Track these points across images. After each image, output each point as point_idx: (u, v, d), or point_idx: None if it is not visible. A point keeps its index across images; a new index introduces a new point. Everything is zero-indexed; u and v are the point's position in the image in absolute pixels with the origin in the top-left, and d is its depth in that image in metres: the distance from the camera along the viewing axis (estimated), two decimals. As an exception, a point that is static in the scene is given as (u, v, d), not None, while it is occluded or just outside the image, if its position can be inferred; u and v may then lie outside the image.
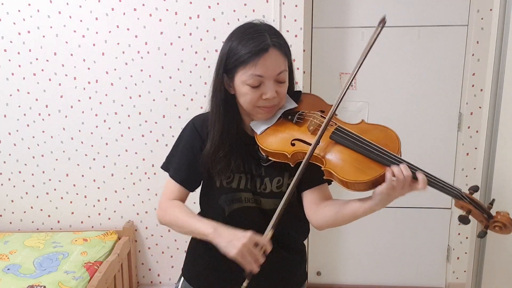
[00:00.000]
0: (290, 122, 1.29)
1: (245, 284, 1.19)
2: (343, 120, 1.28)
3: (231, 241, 1.16)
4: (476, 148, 2.69)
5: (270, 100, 1.25)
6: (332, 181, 1.21)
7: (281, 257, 1.38)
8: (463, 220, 1.12)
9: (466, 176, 2.74)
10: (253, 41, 1.22)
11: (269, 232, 1.19)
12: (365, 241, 2.91)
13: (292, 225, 1.38)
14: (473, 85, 2.62)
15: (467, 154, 2.72)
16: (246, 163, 1.34)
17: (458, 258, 2.86)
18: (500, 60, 2.38)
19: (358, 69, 1.20)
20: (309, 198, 1.33)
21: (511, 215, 1.13)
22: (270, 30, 1.26)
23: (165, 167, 1.43)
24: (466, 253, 2.84)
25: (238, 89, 1.26)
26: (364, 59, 1.19)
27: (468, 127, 2.68)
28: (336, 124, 1.25)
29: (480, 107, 2.63)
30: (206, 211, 1.42)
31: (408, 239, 2.91)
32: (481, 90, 2.61)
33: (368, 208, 1.18)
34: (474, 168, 2.72)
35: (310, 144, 1.21)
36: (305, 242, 1.53)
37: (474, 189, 1.14)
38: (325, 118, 1.23)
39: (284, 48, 1.25)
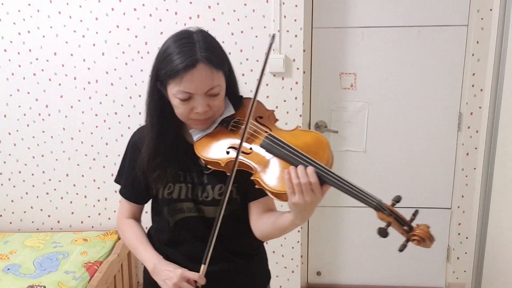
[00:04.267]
0: (226, 130, 1.24)
1: None
2: (279, 126, 1.24)
3: (165, 280, 1.25)
4: (476, 148, 2.69)
5: (202, 114, 1.20)
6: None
7: (234, 263, 1.36)
8: (382, 233, 1.06)
9: (466, 176, 2.74)
10: (181, 55, 1.16)
11: (202, 269, 1.20)
12: (365, 241, 2.91)
13: (240, 232, 1.36)
14: (473, 85, 2.62)
15: (467, 154, 2.72)
16: (188, 172, 1.31)
17: (458, 258, 2.86)
18: (500, 60, 2.38)
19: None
20: (252, 209, 1.31)
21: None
22: (203, 40, 1.20)
23: (117, 180, 1.47)
24: (466, 253, 2.84)
25: (171, 100, 1.22)
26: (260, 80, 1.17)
27: (468, 127, 2.68)
28: (269, 131, 1.20)
29: (480, 107, 2.63)
30: (156, 224, 1.43)
31: (408, 239, 2.90)
32: (481, 90, 2.61)
33: (290, 222, 1.15)
34: (474, 168, 2.72)
35: (244, 152, 1.17)
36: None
37: (396, 199, 1.08)
38: (261, 124, 1.22)
39: (215, 61, 1.17)
